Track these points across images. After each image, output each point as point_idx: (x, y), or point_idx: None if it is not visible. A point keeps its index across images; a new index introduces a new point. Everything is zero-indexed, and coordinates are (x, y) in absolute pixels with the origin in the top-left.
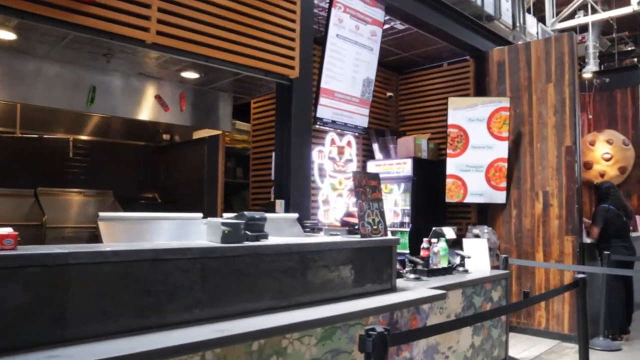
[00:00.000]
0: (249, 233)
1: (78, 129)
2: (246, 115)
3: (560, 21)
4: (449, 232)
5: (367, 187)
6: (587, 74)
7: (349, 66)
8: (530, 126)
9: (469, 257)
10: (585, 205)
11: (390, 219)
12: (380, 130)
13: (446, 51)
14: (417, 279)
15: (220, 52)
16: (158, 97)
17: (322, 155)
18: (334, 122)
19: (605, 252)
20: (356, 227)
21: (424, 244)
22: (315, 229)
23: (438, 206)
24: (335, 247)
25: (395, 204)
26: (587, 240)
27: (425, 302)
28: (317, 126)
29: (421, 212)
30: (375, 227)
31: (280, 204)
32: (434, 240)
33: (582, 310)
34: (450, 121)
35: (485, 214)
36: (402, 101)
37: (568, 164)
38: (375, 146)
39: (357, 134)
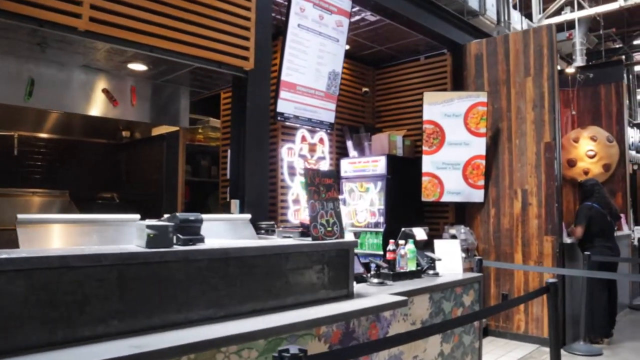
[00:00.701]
0: (180, 236)
1: (28, 126)
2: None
3: (547, 17)
4: (420, 233)
5: (321, 185)
6: (570, 69)
7: (313, 58)
8: (508, 122)
9: (439, 260)
10: (569, 204)
11: (367, 218)
12: (355, 127)
13: (423, 45)
14: (381, 283)
15: (166, 41)
16: (105, 91)
17: (292, 153)
18: (296, 117)
19: (586, 253)
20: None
21: (390, 246)
22: (270, 230)
23: (414, 206)
24: (281, 250)
25: (372, 203)
26: (568, 240)
27: (383, 310)
28: (279, 121)
29: (396, 212)
30: (329, 228)
31: (235, 204)
32: (401, 241)
33: (553, 316)
34: (425, 117)
35: (463, 213)
36: (379, 97)
37: (547, 160)
38: (349, 143)
39: (327, 130)
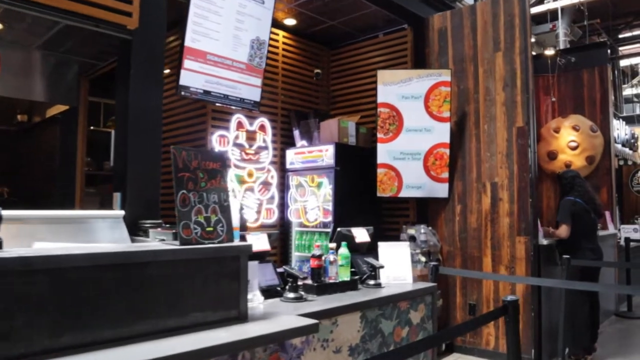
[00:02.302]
0: None
1: None
2: None
3: (530, 6)
4: (360, 234)
5: (201, 171)
6: (549, 51)
7: (229, 22)
8: (476, 104)
9: (381, 267)
10: (550, 201)
11: (318, 217)
12: (303, 113)
13: (382, 19)
14: (298, 299)
15: None
16: None
17: (224, 142)
18: (207, 92)
19: (565, 257)
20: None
21: (315, 251)
22: (149, 231)
23: (369, 202)
24: (127, 259)
25: (325, 199)
26: (544, 242)
27: (282, 338)
28: (184, 97)
29: (347, 209)
30: (209, 229)
31: (116, 197)
32: (332, 245)
33: (512, 341)
34: (380, 99)
35: (425, 211)
36: (335, 80)
37: (520, 148)
38: (296, 132)
39: (251, 110)
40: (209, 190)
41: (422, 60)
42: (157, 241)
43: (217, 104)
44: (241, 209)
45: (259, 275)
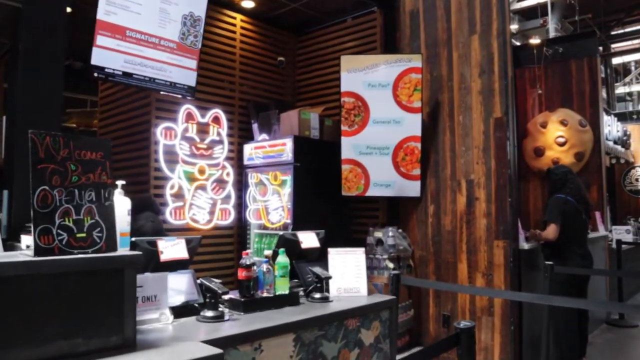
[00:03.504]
0: None
1: None
2: None
3: (519, 0)
4: (308, 239)
5: (73, 162)
6: (535, 40)
7: None
8: (450, 93)
9: (328, 278)
10: (537, 201)
11: (282, 219)
12: (263, 104)
13: (350, 2)
14: (216, 317)
15: None
16: None
17: (171, 135)
18: (128, 74)
19: (547, 263)
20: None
21: (244, 259)
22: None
23: (334, 203)
24: None
25: (290, 199)
26: (525, 246)
27: None
28: (98, 79)
29: (308, 210)
30: (81, 235)
31: (5, 196)
32: (267, 252)
33: None
34: (343, 87)
35: (396, 211)
36: (301, 69)
37: (498, 141)
38: (255, 125)
39: (186, 97)
40: (82, 186)
41: (393, 45)
42: (25, 249)
43: (155, 91)
44: (148, 207)
45: (173, 289)
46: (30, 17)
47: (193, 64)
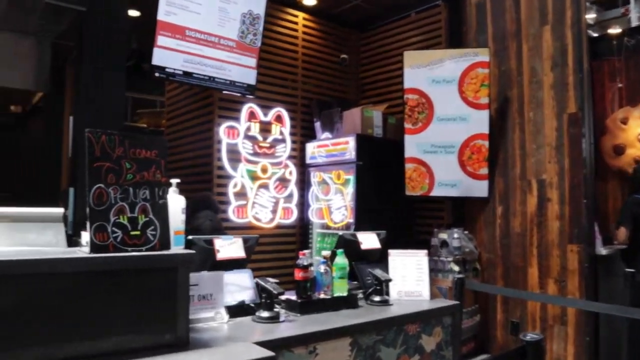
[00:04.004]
0: None
1: None
2: None
3: None
4: (368, 240)
5: (128, 160)
6: (614, 30)
7: None
8: (519, 88)
9: (388, 280)
10: (617, 203)
11: (344, 218)
12: (326, 102)
13: None
14: (272, 319)
15: None
16: None
17: (234, 133)
18: (188, 74)
19: (628, 270)
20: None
21: (301, 260)
22: None
23: (397, 202)
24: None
25: (353, 198)
26: (603, 252)
27: None
28: (160, 78)
29: (370, 210)
30: (135, 233)
31: (71, 193)
32: (325, 253)
33: None
34: (407, 84)
35: (462, 212)
36: (364, 66)
37: (572, 138)
38: (317, 123)
39: (247, 95)
40: (137, 184)
41: (458, 39)
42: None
43: (215, 89)
44: (207, 206)
45: (230, 288)
46: (93, 21)
47: (252, 62)
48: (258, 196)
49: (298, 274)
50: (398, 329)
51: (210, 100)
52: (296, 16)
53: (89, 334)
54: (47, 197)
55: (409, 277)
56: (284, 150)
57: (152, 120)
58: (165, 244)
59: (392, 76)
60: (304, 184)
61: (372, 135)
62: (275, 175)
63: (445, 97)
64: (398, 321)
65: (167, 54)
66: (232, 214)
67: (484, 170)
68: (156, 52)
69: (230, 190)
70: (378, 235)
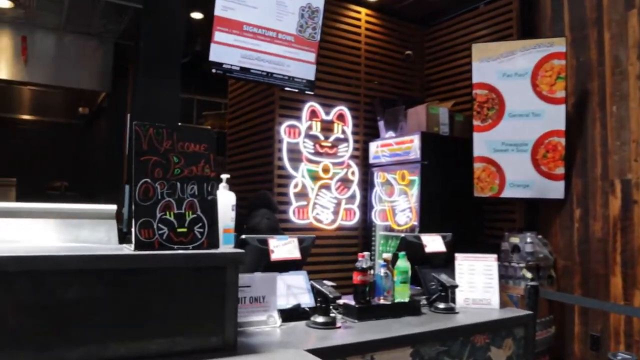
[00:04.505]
0: None
1: None
2: None
3: None
4: (433, 243)
5: (176, 154)
6: None
7: None
8: (600, 80)
9: (453, 286)
10: None
11: (409, 220)
12: (390, 100)
13: None
14: (327, 324)
15: None
16: None
17: (295, 133)
18: (245, 69)
19: None
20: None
21: (359, 262)
22: None
23: (466, 204)
24: (38, 265)
25: (417, 199)
26: None
27: None
28: (217, 75)
29: (437, 212)
30: (182, 230)
31: (126, 190)
32: (386, 256)
33: None
34: (476, 79)
35: (535, 215)
36: (430, 62)
37: None
38: (381, 122)
39: (305, 91)
40: (185, 179)
41: (531, 30)
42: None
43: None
44: (265, 205)
45: (284, 290)
46: (149, 19)
47: (312, 57)
48: (319, 197)
49: (356, 278)
50: (464, 339)
51: (271, 99)
52: (359, 12)
53: (131, 335)
54: (113, 195)
55: (477, 284)
56: (346, 149)
57: (217, 122)
58: (214, 243)
59: (460, 72)
60: (367, 184)
61: (438, 133)
62: (337, 176)
63: (517, 91)
64: (464, 331)
65: (224, 50)
66: (292, 214)
67: (560, 170)
68: (213, 48)
69: (291, 191)
70: (443, 237)
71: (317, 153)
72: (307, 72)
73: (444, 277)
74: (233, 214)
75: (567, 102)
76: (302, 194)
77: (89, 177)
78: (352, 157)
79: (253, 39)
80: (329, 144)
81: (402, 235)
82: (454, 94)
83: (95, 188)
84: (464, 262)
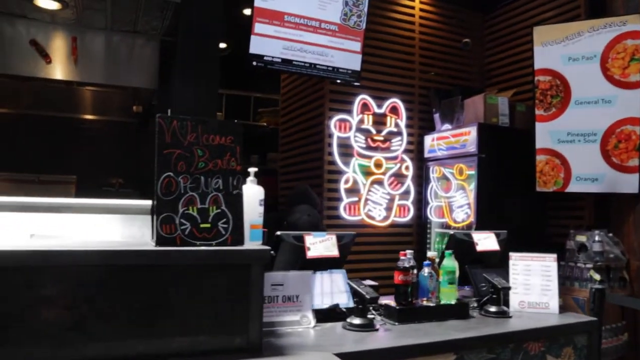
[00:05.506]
0: None
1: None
2: None
3: None
4: (485, 241)
5: (200, 147)
6: None
7: None
8: None
9: (506, 288)
10: None
11: (467, 217)
12: (447, 91)
13: None
14: (363, 327)
15: None
16: (34, 43)
17: (346, 127)
18: (287, 61)
19: None
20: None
21: (401, 262)
22: None
23: (527, 199)
24: (54, 259)
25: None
26: None
27: None
28: (258, 67)
29: (496, 208)
30: (205, 225)
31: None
32: (430, 254)
33: None
34: (538, 64)
35: (606, 211)
36: (490, 50)
37: None
38: (437, 114)
39: (352, 83)
40: (209, 173)
41: (601, 8)
42: None
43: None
44: (305, 200)
45: (322, 290)
46: (187, 15)
47: (357, 46)
48: (371, 192)
49: (397, 277)
50: (516, 346)
51: (321, 93)
52: (413, 0)
53: (150, 332)
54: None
55: (534, 286)
56: (400, 143)
57: (272, 118)
58: (239, 239)
59: (522, 58)
60: (421, 179)
61: (497, 124)
62: (390, 171)
63: (584, 76)
64: (515, 337)
65: (265, 42)
66: (343, 211)
67: (635, 162)
68: (253, 40)
69: (342, 186)
70: (497, 235)
71: (369, 147)
72: (353, 62)
73: (495, 278)
74: (261, 209)
75: None
76: (353, 190)
77: (143, 173)
78: (406, 151)
79: (295, 29)
80: (382, 138)
81: (453, 232)
82: (516, 82)
83: (149, 184)
84: (519, 262)
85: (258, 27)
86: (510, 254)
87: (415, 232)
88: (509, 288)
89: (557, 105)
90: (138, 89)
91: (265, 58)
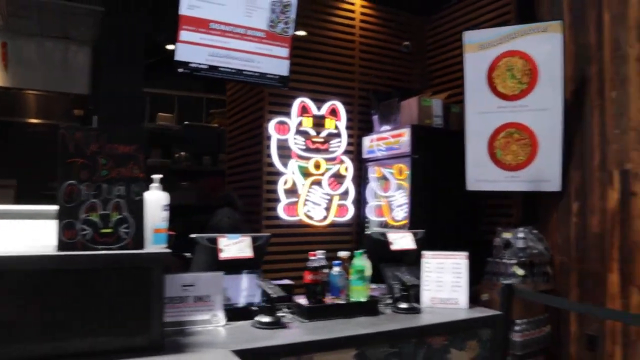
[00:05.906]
0: None
1: None
2: None
3: None
4: (400, 240)
5: (104, 156)
6: None
7: None
8: (599, 65)
9: (415, 285)
10: None
11: (406, 216)
12: (386, 94)
13: None
14: (271, 324)
15: None
16: None
17: (284, 129)
18: (213, 68)
19: None
20: None
21: (311, 262)
22: None
23: (461, 199)
24: None
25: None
26: None
27: None
28: (184, 74)
29: (428, 207)
30: (107, 230)
31: None
32: (341, 254)
33: None
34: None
35: (534, 210)
36: (430, 52)
37: None
38: (375, 116)
39: (274, 86)
40: (112, 180)
41: (530, 14)
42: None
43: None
44: (227, 204)
45: (234, 290)
46: (111, 21)
47: (284, 52)
48: (310, 193)
49: (307, 277)
50: (419, 341)
51: (260, 96)
52: (353, 4)
53: (54, 334)
54: None
55: (445, 283)
56: (339, 145)
57: (223, 120)
58: (139, 243)
59: (458, 62)
60: (360, 179)
61: (430, 125)
62: (330, 171)
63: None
64: (417, 332)
65: (190, 49)
66: (281, 211)
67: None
68: (179, 47)
69: (280, 187)
70: (415, 234)
71: (308, 149)
72: (280, 68)
73: (406, 276)
74: (165, 214)
75: (566, 89)
76: (292, 191)
77: None
78: (346, 152)
79: (221, 36)
80: (321, 140)
81: (368, 232)
82: (457, 84)
83: None
84: (431, 260)
85: (183, 35)
86: (423, 252)
87: (355, 232)
88: (416, 285)
89: None
90: (69, 93)
91: (190, 65)
